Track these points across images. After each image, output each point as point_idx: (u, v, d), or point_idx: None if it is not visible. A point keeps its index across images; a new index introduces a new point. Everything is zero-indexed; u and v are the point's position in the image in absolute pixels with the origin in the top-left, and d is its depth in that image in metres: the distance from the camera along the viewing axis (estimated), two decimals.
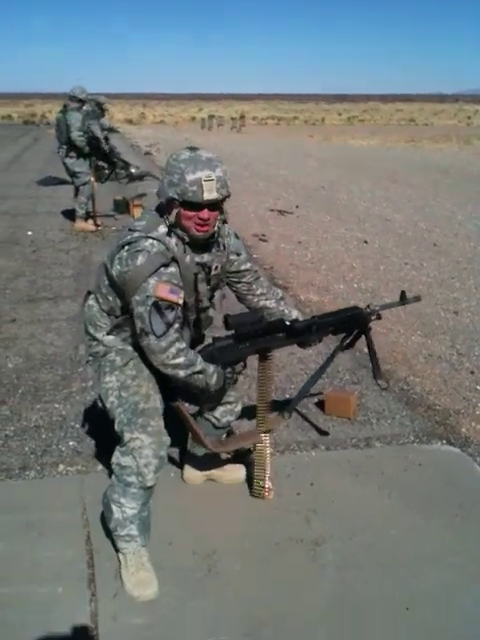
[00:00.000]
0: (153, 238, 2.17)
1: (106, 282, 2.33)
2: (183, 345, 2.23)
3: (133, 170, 12.04)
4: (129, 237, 2.22)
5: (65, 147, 8.06)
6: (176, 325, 2.19)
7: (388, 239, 8.30)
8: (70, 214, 8.85)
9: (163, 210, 2.25)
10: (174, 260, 2.20)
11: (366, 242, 8.09)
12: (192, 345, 2.42)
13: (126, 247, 2.20)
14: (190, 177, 2.13)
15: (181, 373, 2.23)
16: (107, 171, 8.97)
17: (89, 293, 2.50)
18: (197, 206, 2.17)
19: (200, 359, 2.29)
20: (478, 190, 12.82)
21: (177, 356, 2.20)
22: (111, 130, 9.02)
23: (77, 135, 7.86)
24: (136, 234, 2.20)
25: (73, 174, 8.28)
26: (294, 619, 2.17)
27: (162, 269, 2.15)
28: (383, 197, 11.89)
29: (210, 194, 2.14)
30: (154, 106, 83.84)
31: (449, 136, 29.87)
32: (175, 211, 2.20)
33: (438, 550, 2.50)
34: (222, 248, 2.43)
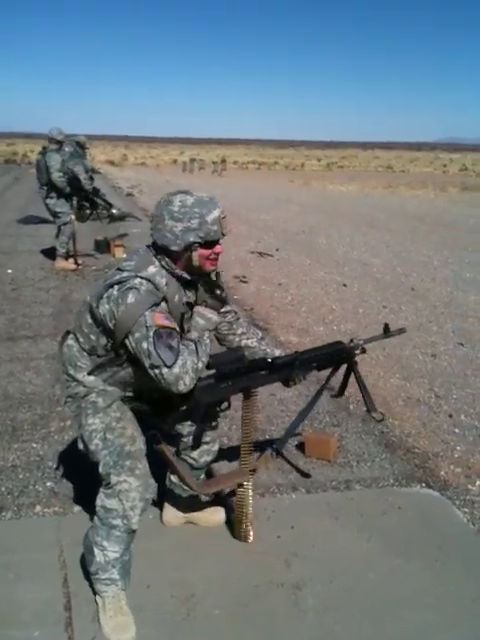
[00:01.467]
0: (143, 277, 2.19)
1: (89, 321, 2.32)
2: (189, 360, 2.19)
3: (114, 211, 12.14)
4: (119, 277, 2.22)
5: (45, 188, 8.14)
6: (182, 348, 2.19)
7: (367, 283, 8.43)
8: (50, 253, 8.88)
9: (169, 255, 2.28)
10: (164, 299, 2.22)
11: (345, 285, 8.20)
12: None
13: (116, 286, 2.21)
14: (210, 217, 2.24)
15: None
16: (88, 211, 9.04)
17: (68, 333, 2.48)
18: (216, 242, 2.29)
19: (191, 350, 2.23)
20: (453, 236, 13.11)
21: (191, 378, 2.19)
22: (93, 171, 9.11)
23: (57, 176, 7.94)
24: (125, 274, 2.21)
25: (54, 214, 8.35)
26: None
27: (154, 307, 2.17)
28: (362, 242, 12.10)
29: (227, 228, 2.29)
30: (136, 148, 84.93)
31: (426, 183, 30.62)
32: (196, 254, 2.27)
33: (417, 593, 2.50)
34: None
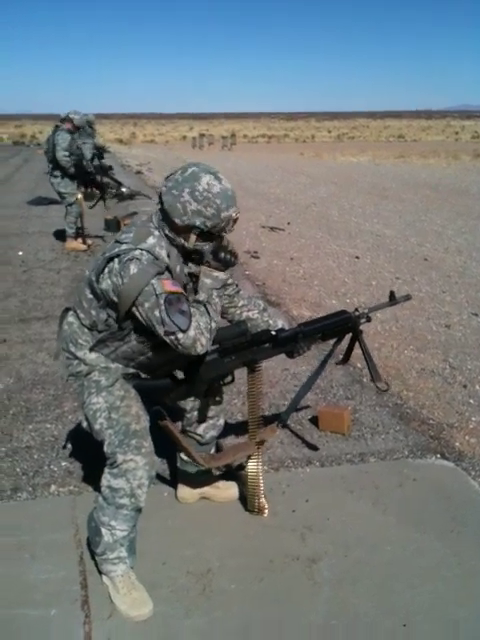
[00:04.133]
0: (143, 249, 2.15)
1: (89, 296, 2.28)
2: (202, 321, 2.17)
3: (124, 189, 12.07)
4: (117, 249, 2.17)
5: (51, 165, 8.12)
6: (193, 311, 2.16)
7: (379, 254, 8.34)
8: (61, 234, 8.86)
9: (169, 222, 2.23)
10: (167, 269, 2.19)
11: (358, 257, 8.12)
12: (176, 359, 2.36)
13: (116, 259, 2.16)
14: (224, 214, 2.20)
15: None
16: (96, 194, 8.96)
17: (67, 310, 2.45)
18: (214, 237, 2.26)
19: (202, 311, 2.22)
20: (467, 205, 12.93)
21: (208, 339, 2.18)
22: (103, 149, 9.02)
23: (62, 155, 7.88)
24: (124, 246, 2.17)
25: (59, 194, 8.33)
26: (290, 637, 2.14)
27: (159, 275, 2.13)
28: (374, 213, 11.97)
29: (232, 229, 2.27)
30: (144, 125, 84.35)
31: (438, 152, 30.14)
32: (193, 238, 2.22)
33: (433, 564, 2.49)
34: None
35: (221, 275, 2.33)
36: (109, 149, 9.41)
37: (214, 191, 2.17)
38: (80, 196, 8.32)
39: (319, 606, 2.28)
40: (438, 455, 3.32)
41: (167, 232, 2.24)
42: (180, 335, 2.10)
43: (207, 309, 2.23)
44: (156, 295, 2.09)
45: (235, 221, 2.25)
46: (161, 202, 2.24)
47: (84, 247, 8.39)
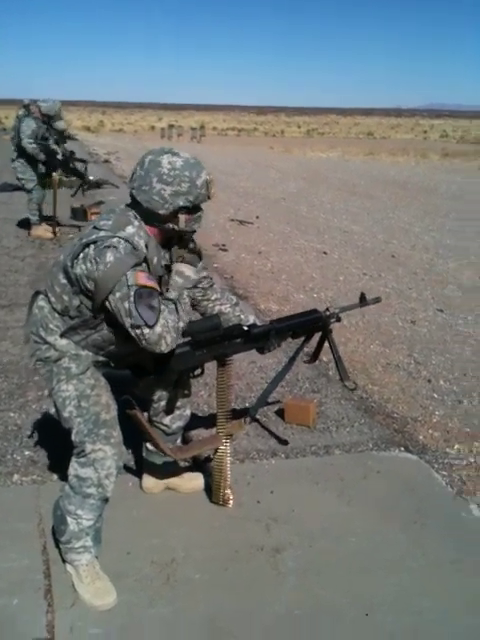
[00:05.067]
0: (121, 238, 2.11)
1: (63, 281, 2.24)
2: (170, 319, 2.15)
3: (91, 178, 11.93)
4: (95, 236, 2.13)
5: (16, 151, 7.99)
6: (162, 308, 2.14)
7: (347, 250, 8.40)
8: (26, 221, 8.71)
9: (153, 217, 2.21)
10: (145, 261, 2.16)
11: (326, 253, 8.17)
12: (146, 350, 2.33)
13: (92, 245, 2.12)
14: (199, 181, 2.20)
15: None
16: (75, 181, 8.86)
17: (37, 293, 2.39)
18: (200, 207, 2.26)
19: (171, 309, 2.19)
20: (435, 203, 13.09)
21: (173, 337, 2.15)
22: (69, 137, 8.87)
23: (27, 142, 7.75)
24: (102, 233, 2.13)
25: (18, 180, 8.23)
26: (254, 627, 2.15)
27: (136, 267, 2.10)
28: (343, 209, 12.04)
29: (213, 191, 2.26)
30: (113, 114, 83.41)
31: (407, 150, 30.46)
32: (183, 218, 2.22)
33: (397, 555, 2.53)
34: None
35: (192, 275, 2.32)
36: (76, 137, 9.26)
37: (178, 166, 2.17)
38: (56, 184, 8.22)
39: (283, 596, 2.29)
40: (402, 448, 3.37)
41: (156, 225, 2.23)
42: (146, 330, 2.08)
43: (176, 308, 2.21)
44: (128, 286, 2.07)
45: (211, 183, 2.24)
46: (136, 203, 2.22)
47: (50, 235, 8.27)
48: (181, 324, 2.20)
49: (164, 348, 2.14)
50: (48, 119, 7.98)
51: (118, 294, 2.08)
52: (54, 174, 8.23)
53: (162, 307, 2.14)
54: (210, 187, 2.24)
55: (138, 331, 2.08)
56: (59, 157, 8.20)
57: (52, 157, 8.07)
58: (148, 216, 2.21)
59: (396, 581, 2.39)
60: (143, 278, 2.09)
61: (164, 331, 2.11)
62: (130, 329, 2.10)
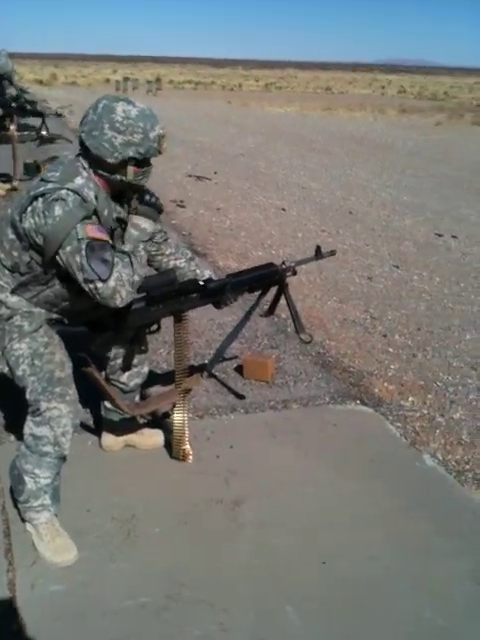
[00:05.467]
0: (70, 189, 2.05)
1: (11, 236, 2.17)
2: (125, 273, 2.10)
3: (44, 133, 11.57)
4: (43, 188, 2.07)
5: None
6: (116, 261, 2.09)
7: (305, 207, 8.39)
8: None
9: (101, 165, 2.14)
10: (95, 213, 2.11)
11: (284, 210, 8.15)
12: (100, 306, 2.25)
13: (40, 198, 2.06)
14: (152, 134, 2.13)
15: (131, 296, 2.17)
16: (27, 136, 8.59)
17: None
18: (149, 160, 2.20)
19: (126, 263, 2.14)
20: (392, 160, 13.13)
21: (128, 291, 2.11)
22: (21, 90, 8.54)
23: None
24: (50, 185, 2.06)
25: None
26: (214, 578, 2.20)
27: (86, 220, 2.05)
28: (301, 165, 11.98)
29: (164, 147, 2.20)
30: (66, 67, 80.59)
31: (364, 105, 30.29)
32: (131, 169, 2.15)
33: (351, 505, 2.60)
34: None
35: (149, 228, 2.28)
36: (28, 90, 8.94)
37: (133, 115, 2.11)
38: (11, 133, 7.95)
39: (241, 547, 2.35)
40: (358, 401, 3.44)
41: (101, 172, 2.16)
42: (99, 284, 2.04)
43: (131, 261, 2.17)
44: (78, 240, 2.02)
45: (164, 137, 2.19)
46: (85, 148, 2.15)
47: (2, 192, 8.02)
48: (136, 277, 2.16)
49: (119, 302, 2.10)
50: (2, 76, 7.68)
51: (68, 248, 2.03)
52: (11, 127, 7.94)
53: (116, 260, 2.09)
54: (162, 142, 2.18)
55: (91, 285, 2.04)
56: (13, 105, 7.93)
57: (6, 107, 7.79)
58: (96, 163, 2.15)
59: (352, 530, 2.46)
60: (94, 231, 2.05)
61: (118, 285, 2.07)
62: (83, 284, 2.06)
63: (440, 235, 7.21)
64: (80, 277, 2.05)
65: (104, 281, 2.04)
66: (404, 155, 13.96)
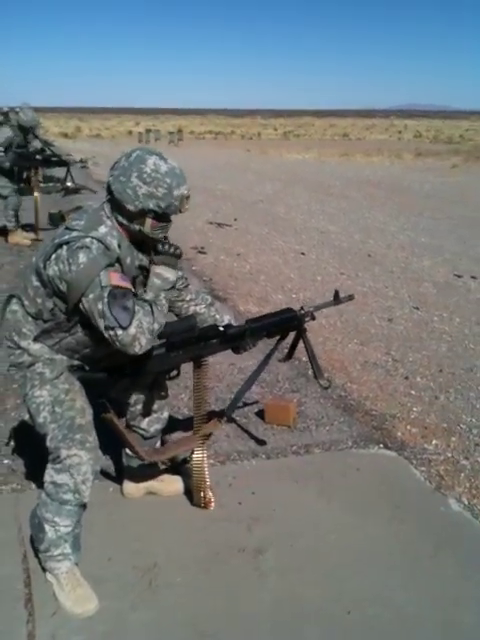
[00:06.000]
0: (94, 238, 2.10)
1: (36, 283, 2.22)
2: (145, 321, 2.11)
3: (69, 183, 11.87)
4: (68, 236, 2.12)
5: None
6: (137, 309, 2.11)
7: (324, 250, 8.45)
8: (3, 229, 8.63)
9: (121, 211, 2.19)
10: (118, 261, 2.15)
11: (303, 254, 8.21)
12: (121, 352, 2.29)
13: (65, 246, 2.11)
14: (176, 192, 2.18)
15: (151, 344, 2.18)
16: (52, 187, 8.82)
17: (11, 297, 2.36)
18: (169, 217, 2.25)
19: (146, 311, 2.15)
20: (409, 202, 13.21)
21: (148, 339, 2.12)
22: (46, 143, 8.79)
23: None
24: (74, 234, 2.12)
25: None
26: (236, 628, 2.16)
27: (109, 267, 2.09)
28: (319, 210, 12.11)
29: (186, 208, 2.25)
30: (90, 120, 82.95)
31: (381, 150, 30.67)
32: (148, 222, 2.20)
33: (377, 550, 2.55)
34: None
35: (171, 276, 2.30)
36: (54, 143, 9.21)
37: (162, 171, 2.17)
38: (36, 193, 8.18)
39: (265, 596, 2.30)
40: (381, 445, 3.39)
41: (121, 220, 2.21)
42: (120, 332, 2.06)
43: (152, 309, 2.18)
44: (101, 287, 2.05)
45: (187, 199, 2.23)
46: (110, 192, 2.21)
47: (28, 242, 8.22)
48: (156, 326, 2.18)
49: (138, 350, 2.11)
50: (27, 129, 7.93)
51: (91, 295, 2.07)
52: (33, 178, 8.17)
53: (137, 308, 2.12)
54: (184, 202, 2.23)
55: (112, 333, 2.06)
56: (39, 157, 8.16)
57: (31, 160, 8.02)
58: (117, 209, 2.20)
59: (377, 577, 2.41)
60: (117, 278, 2.08)
61: (138, 333, 2.09)
62: (104, 331, 2.08)
63: (459, 276, 7.19)
64: (101, 324, 2.08)
65: (124, 328, 2.06)
66: (421, 198, 14.05)
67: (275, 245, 8.75)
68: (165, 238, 2.35)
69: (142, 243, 2.30)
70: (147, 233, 2.23)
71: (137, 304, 2.14)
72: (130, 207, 2.17)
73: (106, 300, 2.05)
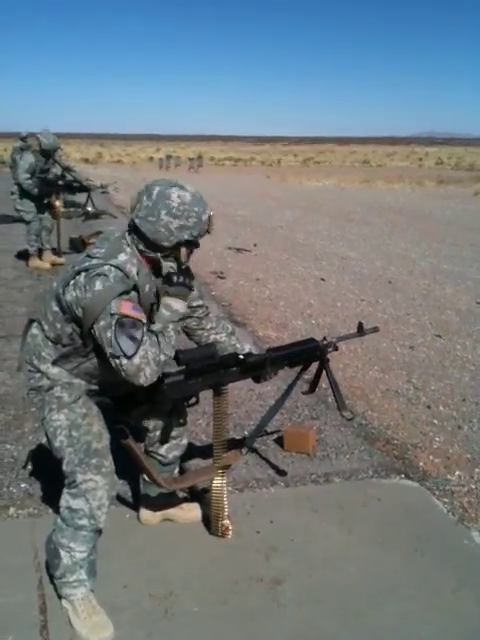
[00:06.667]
0: (112, 265, 2.12)
1: (55, 308, 2.24)
2: (151, 352, 2.09)
3: (89, 208, 12.02)
4: (87, 263, 2.14)
5: (16, 185, 8.05)
6: (145, 339, 2.10)
7: (345, 277, 8.43)
8: (25, 253, 8.76)
9: (153, 248, 2.22)
10: (135, 288, 2.16)
11: (323, 279, 8.19)
12: None
13: (83, 273, 2.13)
14: (204, 217, 2.24)
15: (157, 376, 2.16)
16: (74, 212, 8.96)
17: (31, 321, 2.38)
18: (198, 242, 2.30)
19: (153, 342, 2.13)
20: (430, 229, 13.18)
21: (153, 370, 2.10)
22: (67, 169, 8.93)
23: (24, 178, 7.81)
24: (94, 261, 2.14)
25: (17, 211, 8.31)
26: None
27: (123, 295, 2.10)
28: (339, 236, 12.11)
29: (212, 226, 2.31)
30: (111, 146, 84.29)
31: (402, 177, 30.76)
32: (184, 251, 2.25)
33: (398, 583, 2.49)
34: None
35: (180, 308, 2.28)
36: (75, 168, 9.35)
37: (188, 201, 2.20)
38: (53, 215, 8.31)
39: (283, 627, 2.25)
40: (402, 475, 3.33)
41: (148, 253, 2.23)
42: (124, 361, 2.05)
43: (158, 340, 2.17)
44: (111, 315, 2.06)
45: (212, 218, 2.29)
46: (138, 232, 2.22)
47: (48, 266, 8.31)
48: (162, 357, 2.15)
49: (142, 381, 2.09)
50: (48, 153, 8.04)
51: (102, 322, 2.07)
52: (57, 203, 8.29)
53: (145, 339, 2.10)
54: (211, 223, 2.29)
55: (117, 361, 2.06)
56: (60, 183, 8.28)
57: (54, 186, 8.15)
58: (151, 247, 2.22)
59: (397, 610, 2.35)
60: (128, 308, 2.08)
61: (142, 363, 2.06)
62: (110, 359, 2.08)
63: None
64: (108, 352, 2.08)
65: (129, 358, 2.04)
66: (443, 224, 14.02)
67: (295, 271, 8.75)
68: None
69: (159, 271, 2.31)
70: (183, 262, 2.27)
71: (145, 334, 2.12)
72: (165, 244, 2.20)
73: (113, 328, 2.05)
